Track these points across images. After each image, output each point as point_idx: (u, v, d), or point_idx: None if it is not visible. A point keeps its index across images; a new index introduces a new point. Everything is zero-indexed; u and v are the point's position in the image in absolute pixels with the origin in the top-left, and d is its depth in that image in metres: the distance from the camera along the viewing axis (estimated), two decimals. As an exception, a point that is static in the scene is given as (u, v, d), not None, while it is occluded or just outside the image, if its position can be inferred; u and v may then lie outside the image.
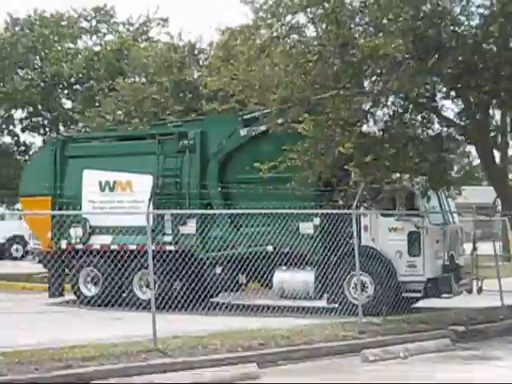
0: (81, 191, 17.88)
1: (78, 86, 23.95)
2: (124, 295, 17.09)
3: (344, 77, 11.68)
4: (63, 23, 24.92)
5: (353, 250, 15.25)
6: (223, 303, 16.46)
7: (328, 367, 9.81)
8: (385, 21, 11.44)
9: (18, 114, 24.20)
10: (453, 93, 12.57)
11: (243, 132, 16.36)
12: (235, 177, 16.39)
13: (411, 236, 15.16)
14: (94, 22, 26.35)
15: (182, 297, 15.80)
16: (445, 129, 12.80)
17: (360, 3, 11.93)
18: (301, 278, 15.86)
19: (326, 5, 11.93)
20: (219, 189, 16.59)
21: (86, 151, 18.56)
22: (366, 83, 11.79)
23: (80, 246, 17.77)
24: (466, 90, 12.06)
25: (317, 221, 15.77)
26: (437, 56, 11.06)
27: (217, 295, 16.82)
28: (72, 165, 18.27)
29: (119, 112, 21.16)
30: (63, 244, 17.87)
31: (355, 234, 12.62)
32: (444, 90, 12.68)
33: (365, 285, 15.33)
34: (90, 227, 17.77)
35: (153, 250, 16.22)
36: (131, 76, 22.26)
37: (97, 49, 24.80)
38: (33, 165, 19.73)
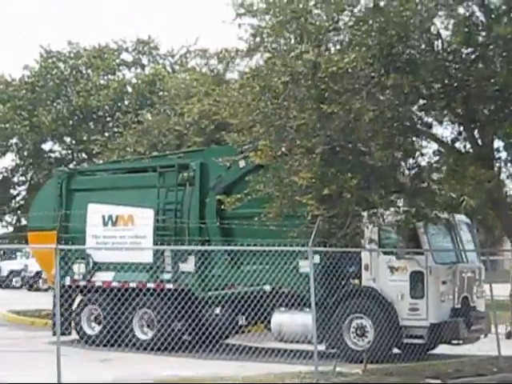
0: (85, 226, 17.87)
1: (105, 119, 24.38)
2: (124, 335, 16.87)
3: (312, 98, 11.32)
4: (100, 55, 25.47)
5: (351, 291, 15.15)
6: (222, 345, 16.16)
7: None
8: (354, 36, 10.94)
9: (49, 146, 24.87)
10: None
11: (242, 163, 16.07)
12: (235, 211, 15.78)
13: (414, 276, 14.46)
14: (135, 54, 26.97)
15: (180, 338, 16.11)
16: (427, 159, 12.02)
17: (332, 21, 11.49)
18: (299, 321, 15.28)
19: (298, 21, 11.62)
20: (218, 224, 16.34)
21: (91, 184, 18.68)
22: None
23: (83, 283, 17.75)
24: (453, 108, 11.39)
25: (316, 259, 15.22)
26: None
27: (219, 337, 16.58)
28: (77, 198, 18.39)
29: (143, 144, 21.25)
30: (67, 280, 17.95)
31: (311, 274, 12.08)
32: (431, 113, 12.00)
33: (365, 329, 14.77)
34: (94, 263, 17.86)
35: (152, 288, 17.05)
36: (160, 108, 22.43)
37: (131, 81, 25.24)
38: (39, 198, 20.00)
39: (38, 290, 34.02)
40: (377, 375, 11.49)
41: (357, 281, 15.25)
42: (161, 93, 23.14)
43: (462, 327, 14.37)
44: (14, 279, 38.40)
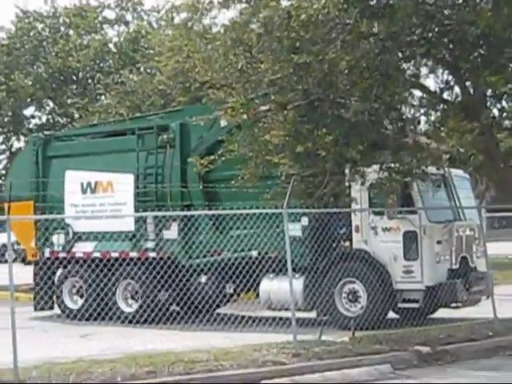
0: (63, 194, 17.58)
1: (86, 81, 23.91)
2: (108, 308, 16.32)
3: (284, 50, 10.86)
4: (81, 12, 24.92)
5: (343, 254, 14.78)
6: (212, 316, 15.87)
7: None
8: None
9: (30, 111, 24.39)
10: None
11: (223, 123, 15.38)
12: (218, 174, 15.50)
13: (407, 237, 14.06)
14: (118, 11, 26.40)
15: (167, 309, 15.83)
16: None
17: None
18: (288, 287, 14.99)
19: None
20: (200, 188, 16.02)
21: (68, 150, 18.20)
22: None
23: (63, 254, 17.37)
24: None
25: (305, 221, 14.95)
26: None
27: (209, 307, 16.27)
28: (54, 165, 18.02)
29: (126, 106, 20.84)
30: (47, 252, 17.69)
31: (287, 236, 11.71)
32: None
33: (357, 294, 14.44)
34: (74, 233, 17.55)
35: (135, 258, 16.64)
36: (144, 67, 21.95)
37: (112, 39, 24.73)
38: (14, 167, 19.67)
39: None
40: (362, 343, 11.02)
41: (348, 243, 14.85)
42: (145, 51, 22.57)
43: (459, 289, 13.97)
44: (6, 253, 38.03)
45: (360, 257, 14.39)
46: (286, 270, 14.60)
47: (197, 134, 16.21)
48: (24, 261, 19.70)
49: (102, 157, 17.43)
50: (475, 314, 14.32)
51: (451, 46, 10.52)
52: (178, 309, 16.20)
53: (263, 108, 11.86)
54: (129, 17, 26.30)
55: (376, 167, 12.25)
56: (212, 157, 13.47)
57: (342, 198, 12.38)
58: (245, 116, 11.83)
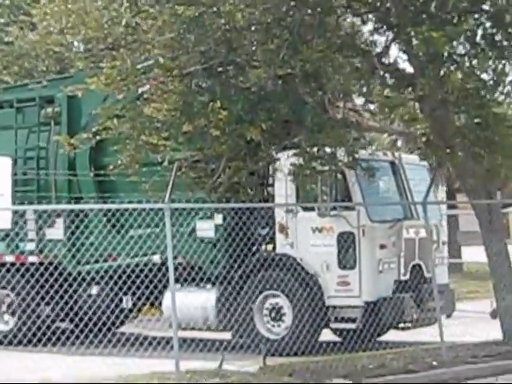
0: None
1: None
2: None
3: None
4: None
5: (265, 260, 13.63)
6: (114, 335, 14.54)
7: None
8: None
9: None
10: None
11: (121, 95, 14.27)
12: (113, 159, 14.04)
13: (342, 239, 13.01)
14: None
15: (48, 327, 14.26)
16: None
17: None
18: (198, 301, 13.93)
19: None
20: (92, 176, 14.89)
21: None
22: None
23: None
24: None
25: (219, 218, 13.91)
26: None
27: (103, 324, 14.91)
28: None
29: (15, 73, 19.36)
30: None
31: (169, 238, 10.29)
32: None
33: (281, 311, 13.39)
34: None
35: (10, 263, 15.02)
36: (38, 24, 20.30)
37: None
38: None
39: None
40: (270, 374, 10.11)
41: (270, 247, 13.82)
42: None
43: (408, 306, 13.07)
44: None
45: (285, 264, 13.34)
46: (196, 279, 13.80)
47: (88, 108, 14.77)
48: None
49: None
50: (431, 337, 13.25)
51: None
52: (68, 326, 15.10)
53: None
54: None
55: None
56: (85, 135, 11.89)
57: (243, 190, 11.17)
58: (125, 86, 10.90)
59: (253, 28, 9.70)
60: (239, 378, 9.96)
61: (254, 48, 9.89)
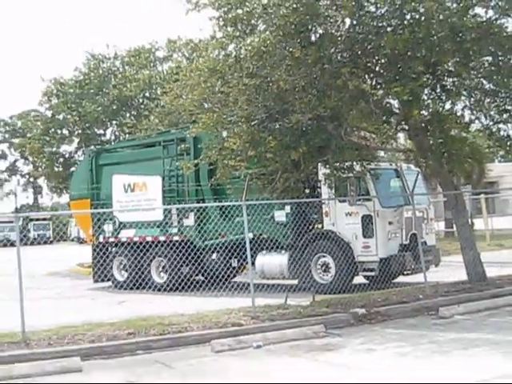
0: (111, 193, 17.43)
1: (139, 105, 23.71)
2: (146, 280, 16.41)
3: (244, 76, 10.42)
4: (135, 55, 24.74)
5: (316, 234, 14.17)
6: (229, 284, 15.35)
7: (170, 358, 8.03)
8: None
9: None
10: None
11: (225, 133, 15.23)
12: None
13: (364, 219, 13.38)
14: (167, 52, 26.13)
15: (188, 280, 15.33)
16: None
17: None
18: (276, 261, 14.52)
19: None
20: (209, 185, 15.34)
21: (114, 159, 18.01)
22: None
23: (112, 239, 17.38)
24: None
25: (287, 209, 14.40)
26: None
27: (223, 277, 15.78)
28: (105, 172, 17.89)
29: (165, 124, 20.47)
30: (100, 238, 17.56)
31: (246, 224, 11.04)
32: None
33: (328, 265, 13.82)
34: (120, 223, 17.38)
35: (163, 241, 16.47)
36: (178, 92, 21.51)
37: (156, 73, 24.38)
38: (76, 173, 19.59)
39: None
40: (314, 307, 10.36)
41: (320, 226, 14.25)
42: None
43: (408, 260, 13.31)
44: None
45: (329, 236, 13.81)
46: (275, 247, 14.64)
47: (208, 144, 15.63)
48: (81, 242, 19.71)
49: (138, 164, 17.23)
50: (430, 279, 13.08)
51: (374, 61, 9.79)
52: (202, 278, 16.00)
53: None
54: (175, 55, 25.92)
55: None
56: (196, 161, 12.88)
57: (293, 191, 11.49)
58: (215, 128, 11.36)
59: (294, 89, 10.01)
60: (294, 310, 10.10)
61: (296, 101, 10.11)
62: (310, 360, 7.65)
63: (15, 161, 65.45)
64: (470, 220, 16.79)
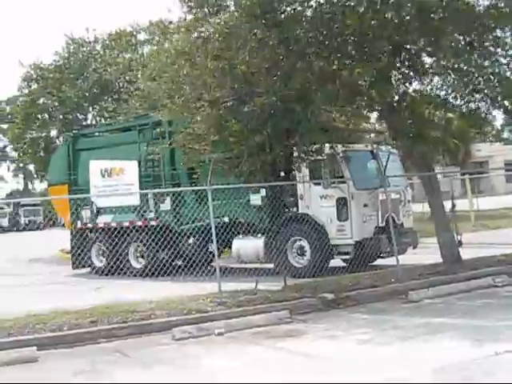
0: (88, 179, 17.01)
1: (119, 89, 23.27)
2: (124, 265, 16.06)
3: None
4: (115, 38, 24.29)
5: (291, 217, 13.99)
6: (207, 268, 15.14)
7: (129, 346, 7.90)
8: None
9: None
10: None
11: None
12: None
13: (339, 202, 13.15)
14: (148, 34, 25.68)
15: (165, 265, 15.19)
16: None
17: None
18: (252, 245, 14.31)
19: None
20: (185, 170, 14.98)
21: (91, 144, 17.69)
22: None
23: (90, 225, 17.08)
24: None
25: (263, 192, 14.09)
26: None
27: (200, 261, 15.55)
28: (82, 156, 17.56)
29: (145, 108, 20.01)
30: (79, 224, 17.33)
31: (211, 208, 10.85)
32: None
33: (304, 249, 13.62)
34: (97, 209, 17.08)
35: (140, 225, 16.21)
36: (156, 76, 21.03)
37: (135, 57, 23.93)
38: (54, 159, 19.20)
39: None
40: (283, 292, 10.15)
41: (295, 209, 14.00)
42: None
43: (383, 242, 13.02)
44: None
45: (304, 219, 13.56)
46: (251, 231, 14.32)
47: (181, 128, 15.33)
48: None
49: (115, 148, 16.87)
50: (406, 261, 12.96)
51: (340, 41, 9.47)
52: (180, 263, 15.43)
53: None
54: (157, 38, 25.38)
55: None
56: (163, 145, 12.59)
57: (260, 174, 11.22)
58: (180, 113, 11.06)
59: (259, 71, 9.77)
60: (262, 295, 9.85)
61: (261, 83, 9.96)
62: (269, 347, 7.44)
63: (5, 147, 64.76)
64: (452, 201, 16.67)
